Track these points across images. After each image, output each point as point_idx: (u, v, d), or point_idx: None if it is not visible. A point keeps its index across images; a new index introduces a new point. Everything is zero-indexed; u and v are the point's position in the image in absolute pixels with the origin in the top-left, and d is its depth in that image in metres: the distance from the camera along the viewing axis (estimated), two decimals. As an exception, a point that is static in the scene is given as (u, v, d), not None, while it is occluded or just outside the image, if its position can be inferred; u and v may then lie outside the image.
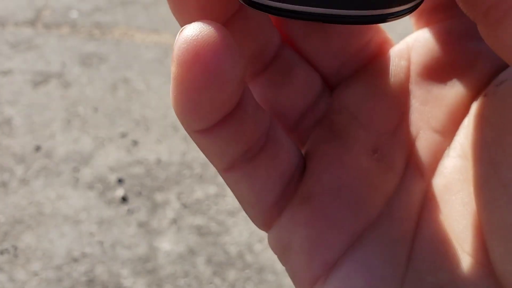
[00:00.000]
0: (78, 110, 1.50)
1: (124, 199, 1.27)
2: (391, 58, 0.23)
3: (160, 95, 1.57)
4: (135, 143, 1.41)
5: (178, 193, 1.30)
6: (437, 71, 0.21)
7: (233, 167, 0.20)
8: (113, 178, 1.31)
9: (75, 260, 1.14)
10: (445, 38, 0.22)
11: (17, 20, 1.76)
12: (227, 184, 0.21)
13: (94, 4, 1.84)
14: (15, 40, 1.69)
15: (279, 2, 0.18)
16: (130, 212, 1.25)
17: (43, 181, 1.29)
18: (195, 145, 1.60)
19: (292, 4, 0.18)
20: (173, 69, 0.17)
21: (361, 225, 0.20)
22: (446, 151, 0.21)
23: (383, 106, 0.22)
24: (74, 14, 1.80)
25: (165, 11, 1.88)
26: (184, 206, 1.27)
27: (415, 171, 0.21)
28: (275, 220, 0.21)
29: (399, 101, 0.22)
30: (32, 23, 1.76)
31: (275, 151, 0.21)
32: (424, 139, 0.21)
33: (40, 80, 1.57)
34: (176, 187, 1.31)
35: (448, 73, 0.21)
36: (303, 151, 0.23)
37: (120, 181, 1.31)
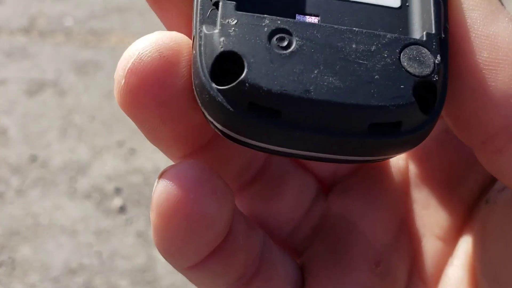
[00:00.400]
0: (74, 118, 1.49)
1: (122, 209, 1.26)
2: None
3: (157, 102, 1.57)
4: (132, 151, 1.40)
5: (176, 202, 1.29)
6: (437, 173, 0.20)
7: None
8: (110, 187, 1.31)
9: (73, 271, 1.14)
10: (444, 137, 0.21)
11: (11, 28, 1.76)
12: None
13: (89, 11, 1.84)
14: (9, 48, 1.69)
15: (264, 143, 0.17)
16: (128, 221, 1.24)
17: (39, 191, 1.28)
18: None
19: (279, 147, 0.17)
20: (152, 217, 0.16)
21: None
22: (450, 260, 0.20)
23: (383, 213, 0.21)
24: (69, 22, 1.80)
25: (161, 17, 1.87)
26: (183, 215, 1.27)
27: (418, 282, 0.20)
28: None
29: (399, 206, 0.21)
30: (27, 31, 1.76)
31: (270, 273, 0.20)
32: (426, 247, 0.20)
33: (36, 88, 1.57)
34: (174, 196, 1.30)
35: (448, 174, 0.20)
36: (299, 262, 0.22)
37: (117, 190, 1.30)
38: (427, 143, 0.21)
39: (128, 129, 1.47)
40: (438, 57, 0.17)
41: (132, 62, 0.16)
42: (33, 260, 1.15)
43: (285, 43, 0.16)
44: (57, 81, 1.60)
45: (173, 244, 0.16)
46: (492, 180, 0.20)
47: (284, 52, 0.16)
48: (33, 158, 1.35)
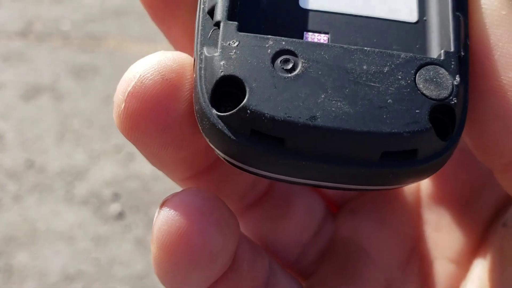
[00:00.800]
0: (71, 123, 1.49)
1: (120, 215, 1.26)
2: None
3: (155, 107, 1.57)
4: (130, 156, 1.40)
5: (175, 207, 1.29)
6: (449, 193, 0.20)
7: None
8: (108, 193, 1.30)
9: (71, 278, 1.14)
10: (457, 156, 0.20)
11: (8, 32, 1.75)
12: None
13: (86, 15, 1.83)
14: (6, 52, 1.69)
15: (268, 171, 0.16)
16: (126, 227, 1.23)
17: (36, 197, 1.27)
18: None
19: (284, 175, 0.16)
20: (153, 250, 0.15)
21: None
22: (463, 283, 0.19)
23: (394, 236, 0.20)
24: (66, 26, 1.80)
25: (159, 21, 1.87)
26: (182, 221, 1.26)
27: None
28: None
29: (410, 228, 0.20)
30: (23, 35, 1.76)
31: None
32: (438, 270, 0.19)
33: (32, 93, 1.56)
34: (173, 202, 1.30)
35: (461, 194, 0.19)
36: (305, 285, 0.20)
37: (116, 196, 1.30)
38: None
39: (126, 134, 1.47)
40: (457, 78, 0.15)
41: (133, 86, 0.15)
42: (30, 267, 1.15)
43: (289, 66, 0.15)
44: (54, 85, 1.59)
45: (174, 278, 0.15)
46: (508, 202, 0.19)
47: (289, 75, 0.15)
48: (30, 164, 1.35)
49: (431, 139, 0.15)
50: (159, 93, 0.15)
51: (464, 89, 0.16)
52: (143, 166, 1.37)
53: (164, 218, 0.15)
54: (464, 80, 0.16)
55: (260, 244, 0.20)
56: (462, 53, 0.16)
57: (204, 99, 0.15)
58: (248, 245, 0.18)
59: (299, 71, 0.15)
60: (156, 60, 0.16)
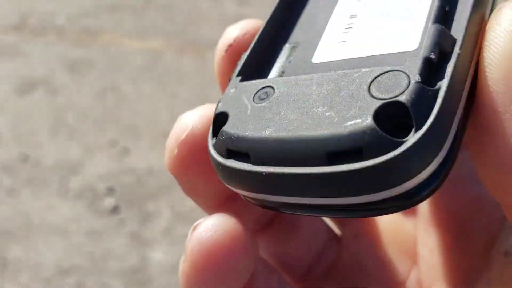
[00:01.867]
0: (66, 118, 1.48)
1: (114, 209, 1.26)
2: None
3: (150, 102, 1.57)
4: (125, 150, 1.40)
5: (170, 202, 1.29)
6: (444, 218, 0.20)
7: None
8: (103, 187, 1.30)
9: (65, 271, 1.13)
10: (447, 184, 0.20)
11: (2, 26, 1.75)
12: None
13: (81, 10, 1.83)
14: (0, 46, 1.68)
15: (244, 190, 0.17)
16: (121, 222, 1.23)
17: (31, 191, 1.27)
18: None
19: (258, 193, 0.17)
20: (184, 266, 0.17)
21: None
22: None
23: (393, 257, 0.21)
24: (60, 20, 1.79)
25: (154, 17, 1.86)
26: (177, 215, 1.26)
27: None
28: None
29: (409, 250, 0.21)
30: (18, 29, 1.75)
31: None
32: None
33: (27, 87, 1.56)
34: (168, 196, 1.30)
35: (456, 220, 0.20)
36: None
37: (110, 190, 1.29)
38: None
39: (121, 129, 1.46)
40: (417, 77, 0.15)
41: (186, 135, 0.19)
42: (25, 260, 1.15)
43: (265, 96, 0.17)
44: (49, 79, 1.59)
45: None
46: (501, 223, 0.19)
47: (261, 104, 0.17)
48: (24, 158, 1.35)
49: (378, 136, 0.14)
50: (204, 143, 0.18)
51: (452, 91, 0.15)
52: (138, 161, 1.38)
53: (196, 240, 0.17)
54: (454, 81, 0.15)
55: (271, 262, 0.22)
56: (433, 56, 0.15)
57: (209, 136, 0.18)
58: (263, 263, 0.20)
59: (270, 99, 0.17)
60: (205, 115, 0.20)
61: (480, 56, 0.15)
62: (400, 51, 0.17)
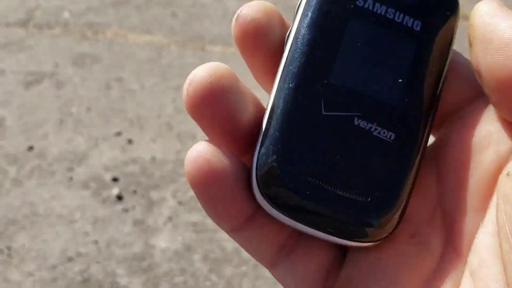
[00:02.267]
0: (71, 110, 1.49)
1: (119, 198, 1.27)
2: None
3: (153, 95, 1.58)
4: (129, 142, 1.41)
5: (173, 191, 1.30)
6: (459, 153, 0.22)
7: (275, 264, 0.22)
8: (107, 177, 1.31)
9: (70, 259, 1.14)
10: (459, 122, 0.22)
11: (8, 21, 1.76)
12: (278, 280, 0.23)
13: (86, 5, 1.84)
14: (6, 41, 1.69)
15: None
16: (125, 210, 1.24)
17: (36, 181, 1.28)
18: (189, 144, 1.59)
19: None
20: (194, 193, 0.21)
21: None
22: (480, 229, 0.21)
23: (419, 196, 0.22)
24: (66, 15, 1.80)
25: (157, 12, 1.88)
26: (180, 203, 1.28)
27: (451, 251, 0.21)
28: None
29: (432, 189, 0.23)
30: (24, 23, 1.76)
31: (310, 244, 0.22)
32: (459, 220, 0.21)
33: (32, 80, 1.57)
34: (171, 185, 1.31)
35: (471, 152, 0.22)
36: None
37: (115, 180, 1.31)
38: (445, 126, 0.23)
39: (125, 121, 1.47)
40: None
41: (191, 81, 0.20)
42: (30, 249, 1.16)
43: None
44: (54, 73, 1.60)
45: (215, 207, 0.20)
46: (509, 152, 0.21)
47: None
48: (30, 149, 1.36)
49: None
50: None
51: None
52: (141, 151, 1.39)
53: (189, 173, 0.20)
54: None
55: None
56: None
57: None
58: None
59: None
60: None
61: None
62: None
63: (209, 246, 1.20)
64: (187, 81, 0.19)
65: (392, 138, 0.19)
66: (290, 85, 0.19)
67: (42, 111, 1.47)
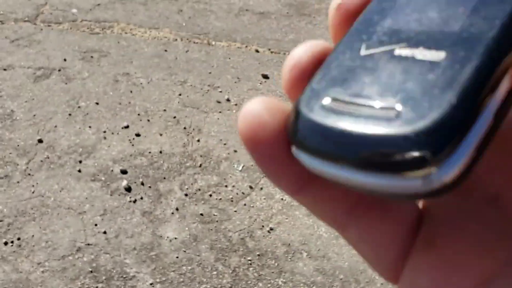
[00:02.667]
0: (79, 103, 1.51)
1: (127, 190, 1.28)
2: None
3: (160, 89, 1.59)
4: (137, 136, 1.42)
5: (180, 183, 1.32)
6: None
7: (347, 227, 0.20)
8: (116, 169, 1.33)
9: (79, 250, 1.15)
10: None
11: (17, 17, 1.77)
12: (352, 245, 0.21)
13: (93, 1, 1.85)
14: (15, 36, 1.70)
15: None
16: (133, 202, 1.26)
17: (45, 173, 1.30)
18: (195, 137, 1.60)
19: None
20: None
21: (488, 270, 0.19)
22: None
23: (498, 157, 0.21)
24: (74, 10, 1.81)
25: (164, 8, 1.88)
26: (187, 195, 1.29)
27: None
28: (401, 271, 0.20)
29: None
30: (33, 19, 1.77)
31: (384, 207, 0.20)
32: None
33: (41, 74, 1.57)
34: (178, 177, 1.33)
35: None
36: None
37: (123, 172, 1.32)
38: None
39: (133, 114, 1.49)
40: None
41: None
42: (40, 240, 1.17)
43: None
44: (63, 67, 1.61)
45: (273, 170, 0.18)
46: None
47: None
48: (40, 141, 1.37)
49: None
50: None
51: None
52: (149, 145, 1.40)
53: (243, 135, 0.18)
54: None
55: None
56: None
57: None
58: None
59: None
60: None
61: None
62: None
63: (215, 236, 1.21)
64: (289, 61, 0.18)
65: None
66: (345, 39, 0.18)
67: (51, 105, 1.49)
